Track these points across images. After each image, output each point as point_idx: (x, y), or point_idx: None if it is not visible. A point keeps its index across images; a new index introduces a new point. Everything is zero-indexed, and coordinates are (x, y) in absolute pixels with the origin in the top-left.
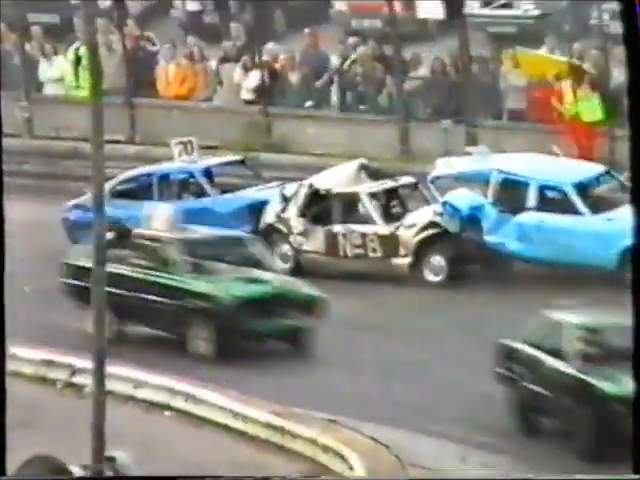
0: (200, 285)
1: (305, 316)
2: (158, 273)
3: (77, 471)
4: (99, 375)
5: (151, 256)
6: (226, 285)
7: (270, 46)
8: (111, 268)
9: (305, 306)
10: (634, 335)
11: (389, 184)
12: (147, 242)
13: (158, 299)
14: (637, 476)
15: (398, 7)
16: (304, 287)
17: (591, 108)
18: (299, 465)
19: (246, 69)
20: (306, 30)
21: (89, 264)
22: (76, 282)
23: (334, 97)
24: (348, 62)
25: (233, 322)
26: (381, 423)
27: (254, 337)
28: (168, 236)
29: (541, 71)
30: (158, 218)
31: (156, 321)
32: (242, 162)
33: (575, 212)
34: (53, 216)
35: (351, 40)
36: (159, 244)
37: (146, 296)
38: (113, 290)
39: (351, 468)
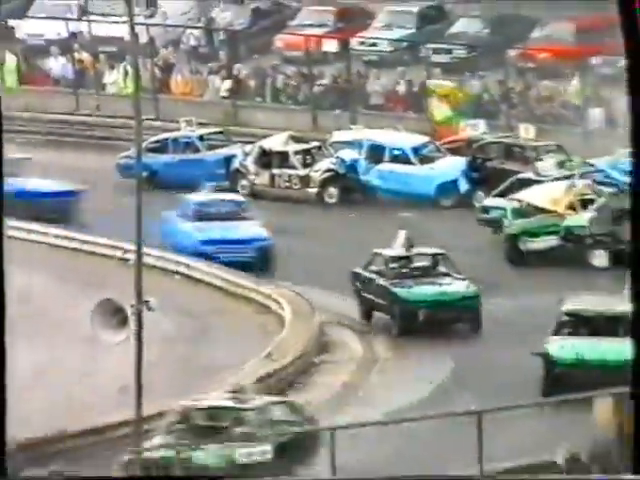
0: None
1: None
2: None
3: (128, 309)
4: (139, 253)
5: None
6: None
7: (238, 66)
8: None
9: None
10: (633, 331)
11: (305, 146)
12: None
13: None
14: (637, 476)
15: (312, 44)
16: None
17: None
18: (253, 305)
19: (223, 79)
20: (260, 57)
21: None
22: None
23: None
24: (283, 78)
25: None
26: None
27: None
28: None
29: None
30: None
31: None
32: (221, 132)
33: (411, 164)
34: (112, 162)
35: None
36: None
37: None
38: None
39: (282, 308)
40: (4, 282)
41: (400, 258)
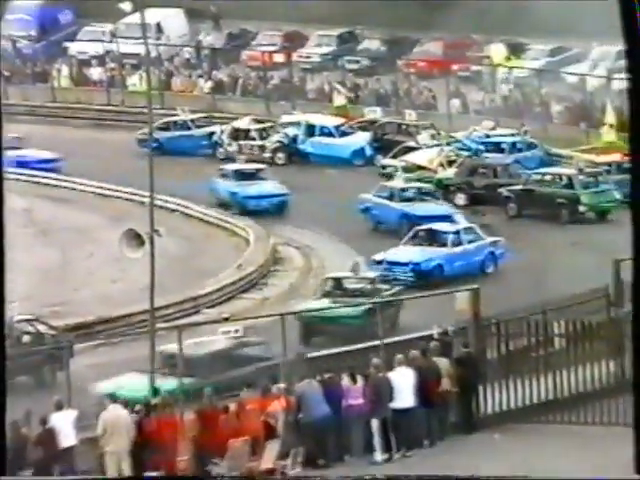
0: None
1: None
2: None
3: (144, 234)
4: (151, 197)
5: None
6: None
7: (216, 72)
8: None
9: None
10: (633, 332)
11: (262, 125)
12: None
13: None
14: (638, 476)
15: (267, 57)
16: None
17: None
18: (228, 232)
19: (206, 80)
20: (232, 66)
21: None
22: None
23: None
24: (247, 80)
25: None
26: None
27: None
28: None
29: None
30: None
31: None
32: (206, 117)
33: (334, 137)
34: (134, 137)
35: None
36: None
37: None
38: None
39: (248, 234)
40: (4, 281)
41: (337, 279)
